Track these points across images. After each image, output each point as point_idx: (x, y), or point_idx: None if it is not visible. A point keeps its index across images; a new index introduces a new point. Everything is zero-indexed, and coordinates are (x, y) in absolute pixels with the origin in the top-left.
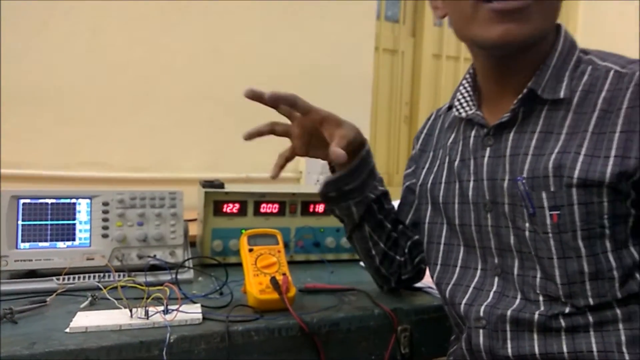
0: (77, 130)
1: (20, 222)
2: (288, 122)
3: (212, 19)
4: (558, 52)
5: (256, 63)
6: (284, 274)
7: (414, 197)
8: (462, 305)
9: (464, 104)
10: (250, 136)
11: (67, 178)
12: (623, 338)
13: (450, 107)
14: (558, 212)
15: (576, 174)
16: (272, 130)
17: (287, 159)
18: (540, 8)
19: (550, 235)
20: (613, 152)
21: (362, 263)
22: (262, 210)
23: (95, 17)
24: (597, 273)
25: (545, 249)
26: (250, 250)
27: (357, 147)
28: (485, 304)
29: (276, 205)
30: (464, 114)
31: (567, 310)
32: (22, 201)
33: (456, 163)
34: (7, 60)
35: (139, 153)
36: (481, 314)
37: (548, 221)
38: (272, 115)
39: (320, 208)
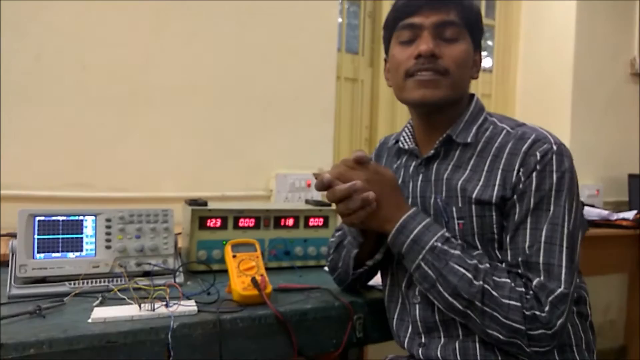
0: (63, 156)
1: (36, 237)
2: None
3: (189, 55)
4: (469, 113)
5: (229, 95)
6: (261, 275)
7: None
8: (403, 288)
9: (407, 140)
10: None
11: (54, 198)
12: None
13: (396, 141)
14: (463, 221)
15: (474, 195)
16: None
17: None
18: (447, 82)
19: (458, 237)
20: (497, 182)
21: (326, 268)
22: (240, 224)
23: (86, 52)
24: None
25: None
26: (234, 256)
27: None
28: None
29: (252, 220)
30: (406, 147)
31: None
32: (37, 218)
33: (399, 183)
34: (4, 91)
35: (122, 175)
36: (416, 292)
37: (456, 227)
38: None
39: (290, 222)
